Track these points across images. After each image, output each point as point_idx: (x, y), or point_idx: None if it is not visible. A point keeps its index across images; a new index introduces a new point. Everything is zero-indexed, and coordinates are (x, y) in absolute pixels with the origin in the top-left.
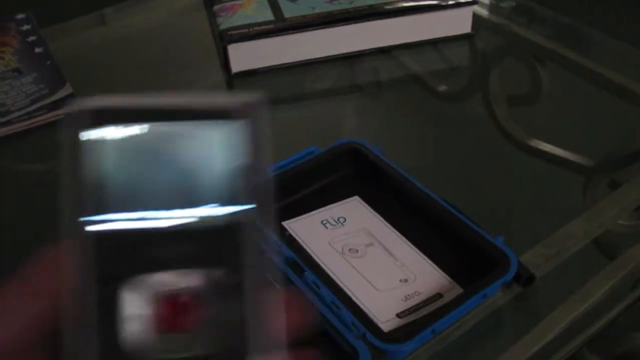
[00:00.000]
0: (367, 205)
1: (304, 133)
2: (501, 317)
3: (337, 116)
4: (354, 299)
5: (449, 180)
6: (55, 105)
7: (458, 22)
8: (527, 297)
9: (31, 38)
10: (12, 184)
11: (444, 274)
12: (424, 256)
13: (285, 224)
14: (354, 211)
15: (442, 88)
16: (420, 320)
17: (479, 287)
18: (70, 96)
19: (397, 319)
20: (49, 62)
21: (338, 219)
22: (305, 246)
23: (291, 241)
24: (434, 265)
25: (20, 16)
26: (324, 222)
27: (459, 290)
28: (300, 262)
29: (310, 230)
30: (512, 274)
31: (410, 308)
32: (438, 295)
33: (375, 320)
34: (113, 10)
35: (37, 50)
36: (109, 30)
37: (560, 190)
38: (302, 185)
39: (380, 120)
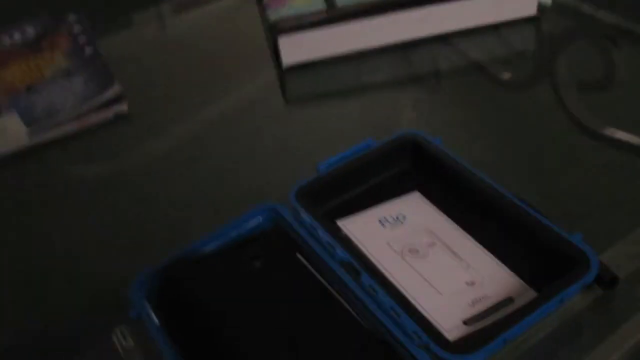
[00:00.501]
0: (428, 201)
1: (361, 126)
2: (579, 322)
3: (395, 107)
4: (415, 304)
5: (517, 174)
6: (105, 105)
7: (522, 4)
8: (608, 300)
9: (82, 38)
10: (62, 187)
11: (514, 275)
12: (492, 256)
13: (340, 222)
14: (414, 208)
15: (507, 76)
16: (490, 327)
17: (555, 291)
18: (120, 96)
19: (464, 327)
20: (98, 62)
21: (397, 217)
22: (361, 247)
23: (347, 241)
24: (504, 266)
25: (71, 17)
26: (381, 221)
27: (532, 293)
28: (356, 264)
29: (367, 229)
30: (593, 276)
31: (478, 314)
32: (509, 300)
33: (439, 328)
34: (163, 8)
35: (88, 50)
36: (160, 28)
37: (639, 184)
38: (359, 181)
39: (440, 112)
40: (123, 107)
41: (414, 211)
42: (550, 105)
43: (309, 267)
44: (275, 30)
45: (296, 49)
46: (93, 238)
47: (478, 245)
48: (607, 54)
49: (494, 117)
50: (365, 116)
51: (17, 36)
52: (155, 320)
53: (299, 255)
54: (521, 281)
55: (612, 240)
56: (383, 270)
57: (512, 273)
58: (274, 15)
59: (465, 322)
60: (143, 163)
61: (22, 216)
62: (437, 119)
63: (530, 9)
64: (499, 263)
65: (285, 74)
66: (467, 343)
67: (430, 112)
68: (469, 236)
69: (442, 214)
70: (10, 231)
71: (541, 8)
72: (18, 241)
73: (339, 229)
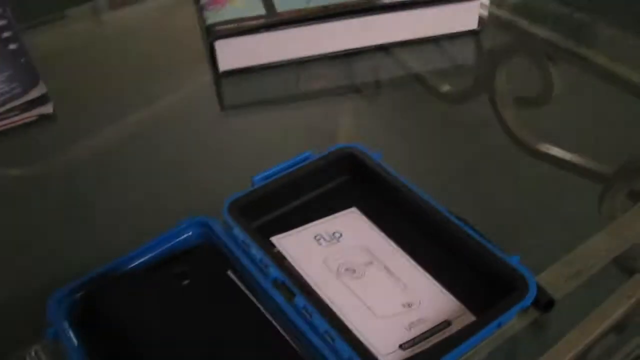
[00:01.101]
0: (365, 218)
1: (299, 137)
2: (515, 345)
3: (334, 118)
4: (351, 327)
5: (454, 191)
6: (28, 106)
7: (463, 18)
8: (543, 322)
9: (5, 34)
10: None
11: (452, 297)
12: (429, 277)
13: (274, 239)
14: (352, 225)
15: (446, 88)
16: (427, 352)
17: (493, 315)
18: (45, 97)
19: (400, 351)
20: (23, 60)
21: (334, 234)
22: (296, 266)
23: (281, 260)
24: (441, 288)
25: None
26: (317, 238)
27: (469, 316)
28: (290, 284)
29: (302, 247)
30: (531, 299)
31: (414, 338)
32: (446, 323)
33: (375, 353)
34: (99, 3)
35: (11, 47)
36: (89, 26)
37: (574, 201)
38: (295, 195)
39: (379, 123)
40: (48, 109)
41: (351, 228)
42: (488, 119)
43: (241, 286)
44: (212, 34)
45: (234, 54)
46: (7, 248)
47: (416, 265)
48: (544, 69)
49: (433, 130)
50: (303, 126)
51: None
52: (74, 340)
53: (230, 273)
54: (459, 303)
55: (547, 261)
56: (318, 291)
57: (449, 295)
58: (212, 17)
59: (402, 347)
60: (65, 169)
61: None
62: (377, 131)
63: (472, 23)
64: (437, 284)
65: (222, 79)
66: None
67: (370, 123)
68: (407, 256)
69: (380, 231)
70: None
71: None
72: None
73: (273, 246)
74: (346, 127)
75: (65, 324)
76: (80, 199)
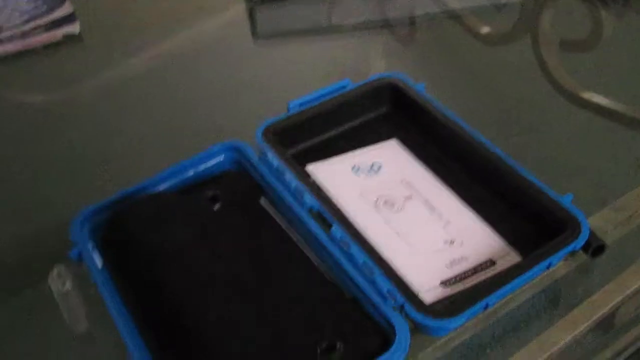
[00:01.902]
0: (406, 150)
1: (335, 66)
2: (559, 288)
3: (370, 51)
4: (389, 261)
5: (495, 130)
6: (54, 25)
7: None
8: (589, 267)
9: None
10: (10, 116)
11: (497, 236)
12: (473, 214)
13: (309, 167)
14: (391, 157)
15: (485, 30)
16: (470, 291)
17: (542, 256)
18: (70, 16)
19: (442, 288)
20: None
21: (372, 165)
22: (332, 196)
23: (316, 188)
24: (486, 225)
25: None
26: (355, 168)
27: (514, 256)
28: (327, 214)
29: (339, 177)
30: (582, 241)
31: (456, 276)
32: (490, 262)
33: (415, 288)
34: None
35: None
36: None
37: (621, 149)
38: (332, 124)
39: (415, 59)
40: (74, 28)
41: (391, 160)
42: (530, 64)
43: (273, 213)
44: None
45: None
46: (33, 171)
47: (459, 200)
48: (594, 11)
49: (470, 72)
50: (339, 57)
51: None
52: (98, 261)
53: (262, 200)
54: (504, 243)
55: (595, 207)
56: (356, 223)
57: (495, 233)
58: None
59: (443, 284)
60: (94, 92)
61: None
62: (414, 65)
63: None
64: (481, 222)
65: (255, 8)
66: (444, 306)
67: (407, 58)
68: (449, 190)
69: (421, 164)
70: None
71: None
72: None
73: (308, 175)
74: (382, 61)
75: (90, 245)
76: (109, 122)
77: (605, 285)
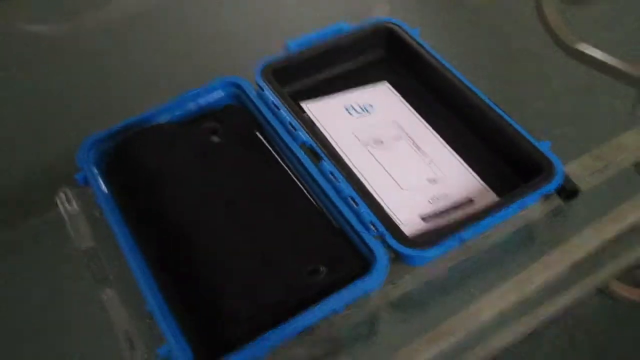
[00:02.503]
0: (397, 93)
1: (334, 8)
2: (534, 230)
3: None
4: (374, 195)
5: (488, 78)
6: None
7: None
8: (563, 212)
9: None
10: (13, 42)
11: (477, 177)
12: (456, 155)
13: (304, 104)
14: (383, 99)
15: None
16: (447, 226)
17: (517, 196)
18: None
19: (421, 222)
20: None
21: (364, 106)
22: (325, 132)
23: (310, 124)
24: (467, 167)
25: None
26: (348, 108)
27: (492, 196)
28: (318, 148)
29: (332, 115)
30: (555, 184)
31: (436, 211)
32: (469, 201)
33: (396, 221)
34: None
35: None
36: None
37: (608, 101)
38: (329, 64)
39: (414, 4)
40: None
41: (383, 102)
42: (528, 13)
43: (269, 146)
44: None
45: None
46: (43, 100)
47: (444, 143)
48: None
49: (468, 19)
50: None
51: None
52: (103, 185)
53: (258, 134)
54: (483, 183)
55: (573, 153)
56: (345, 158)
57: (475, 174)
58: None
59: (423, 218)
60: (100, 24)
61: None
62: (412, 11)
63: None
64: (463, 163)
65: None
66: (423, 238)
67: (405, 3)
68: (435, 133)
69: (410, 108)
70: None
71: None
72: None
73: (302, 111)
74: (386, 3)
75: (95, 170)
76: (115, 54)
77: (580, 231)
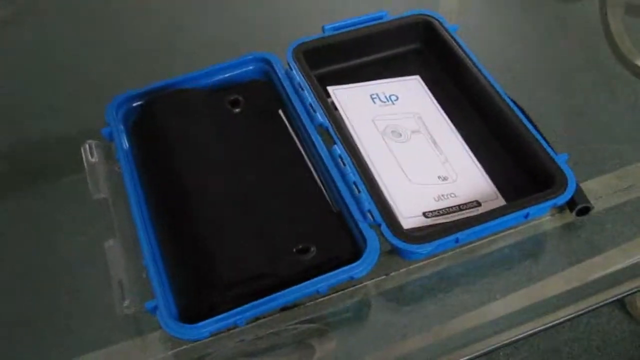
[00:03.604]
0: (426, 88)
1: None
2: (544, 242)
3: None
4: (380, 185)
5: (531, 83)
6: None
7: None
8: (580, 228)
9: None
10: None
11: (489, 180)
12: (472, 156)
13: (330, 89)
14: (411, 91)
15: None
16: (447, 225)
17: (522, 204)
18: None
19: (422, 218)
20: None
21: (390, 96)
22: (345, 117)
23: (331, 108)
24: (481, 169)
25: None
26: (373, 96)
27: (501, 202)
28: (333, 132)
29: (356, 101)
30: (565, 198)
31: (440, 209)
32: (476, 203)
33: (397, 213)
34: None
35: None
36: None
37: None
38: (362, 52)
39: (475, 2)
40: None
41: (409, 94)
42: (592, 21)
43: (287, 124)
44: None
45: None
46: (86, 54)
47: (462, 141)
48: None
49: (528, 21)
50: None
51: None
52: (125, 142)
53: (280, 111)
54: (494, 188)
55: (602, 169)
56: (359, 144)
57: (487, 178)
58: None
59: (425, 214)
60: None
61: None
62: (463, 6)
63: None
64: (478, 165)
65: None
66: (419, 234)
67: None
68: (455, 131)
69: (436, 103)
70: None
71: None
72: None
73: (327, 95)
74: None
75: (121, 127)
76: (154, 19)
77: (588, 259)
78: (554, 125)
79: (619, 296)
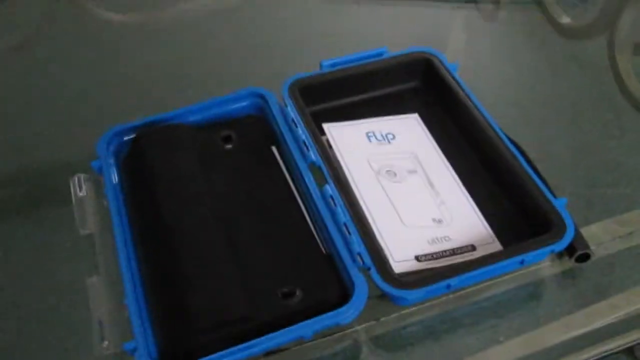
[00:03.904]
0: (424, 127)
1: (379, 34)
2: (542, 289)
3: (427, 23)
4: (372, 226)
5: (532, 124)
6: None
7: None
8: (579, 275)
9: None
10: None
11: (485, 223)
12: (469, 198)
13: (325, 126)
14: (408, 130)
15: (565, 20)
16: (440, 270)
17: (519, 250)
18: None
19: (415, 262)
20: None
21: (386, 135)
22: (339, 155)
23: (325, 146)
24: (478, 212)
25: None
26: (369, 135)
27: (497, 246)
28: (326, 171)
29: (351, 139)
30: (563, 245)
31: (434, 253)
32: (471, 247)
33: (388, 256)
34: None
35: None
36: None
37: None
38: (359, 90)
39: (477, 38)
40: None
41: (406, 133)
42: (600, 60)
43: (280, 161)
44: None
45: None
46: (79, 86)
47: (459, 182)
48: None
49: (533, 58)
50: (387, 25)
51: None
52: (115, 176)
53: (273, 148)
54: (491, 232)
55: (604, 214)
56: (352, 184)
57: (484, 221)
58: None
59: (418, 258)
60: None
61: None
62: (469, 45)
63: None
64: (474, 207)
65: None
66: (409, 279)
67: (466, 36)
68: (453, 171)
69: (434, 142)
70: None
71: None
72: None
73: (321, 132)
74: (436, 33)
75: (111, 160)
76: (149, 55)
77: (588, 307)
78: (557, 165)
79: (626, 345)
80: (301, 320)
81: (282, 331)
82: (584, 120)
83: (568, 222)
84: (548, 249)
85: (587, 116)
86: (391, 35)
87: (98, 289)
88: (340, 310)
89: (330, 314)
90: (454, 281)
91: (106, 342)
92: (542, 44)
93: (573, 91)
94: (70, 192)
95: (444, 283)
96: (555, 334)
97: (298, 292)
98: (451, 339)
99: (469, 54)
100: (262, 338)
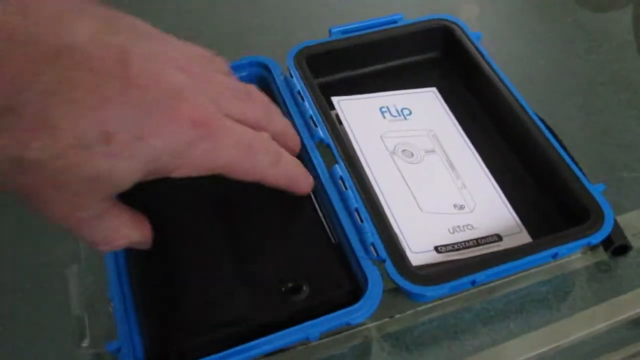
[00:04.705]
0: (442, 102)
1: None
2: (573, 283)
3: None
4: (387, 212)
5: (560, 103)
6: None
7: None
8: (614, 268)
9: None
10: None
11: (513, 211)
12: (494, 182)
13: (335, 99)
14: (425, 105)
15: None
16: (462, 263)
17: (551, 242)
18: None
19: (434, 253)
20: None
21: (402, 110)
22: (350, 132)
23: (334, 122)
24: (504, 197)
25: None
26: (383, 110)
27: (525, 237)
28: (336, 150)
29: (363, 115)
30: (601, 236)
31: (455, 244)
32: (496, 237)
33: (404, 247)
34: None
35: None
36: None
37: None
38: (372, 60)
39: (497, 9)
40: None
41: (424, 108)
42: (623, 36)
43: None
44: None
45: None
46: None
47: (482, 165)
48: None
49: (555, 33)
50: None
51: None
52: None
53: None
54: (518, 220)
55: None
56: (364, 165)
57: (510, 208)
58: None
59: (438, 249)
60: None
61: None
62: (489, 15)
63: None
64: (500, 192)
65: None
66: (429, 273)
67: (487, 6)
68: (475, 152)
69: (454, 120)
70: None
71: None
72: None
73: (330, 106)
74: (456, 4)
75: None
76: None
77: (622, 295)
78: (580, 147)
79: None
80: (307, 319)
81: (285, 332)
82: (605, 99)
83: (607, 211)
84: (584, 241)
85: (607, 95)
86: (406, 2)
87: (77, 279)
88: (351, 308)
89: (340, 312)
90: (479, 276)
91: (87, 341)
92: (564, 16)
93: (593, 66)
94: None
95: (468, 278)
96: (583, 329)
97: (304, 288)
98: (472, 337)
99: (482, 24)
100: (262, 340)
